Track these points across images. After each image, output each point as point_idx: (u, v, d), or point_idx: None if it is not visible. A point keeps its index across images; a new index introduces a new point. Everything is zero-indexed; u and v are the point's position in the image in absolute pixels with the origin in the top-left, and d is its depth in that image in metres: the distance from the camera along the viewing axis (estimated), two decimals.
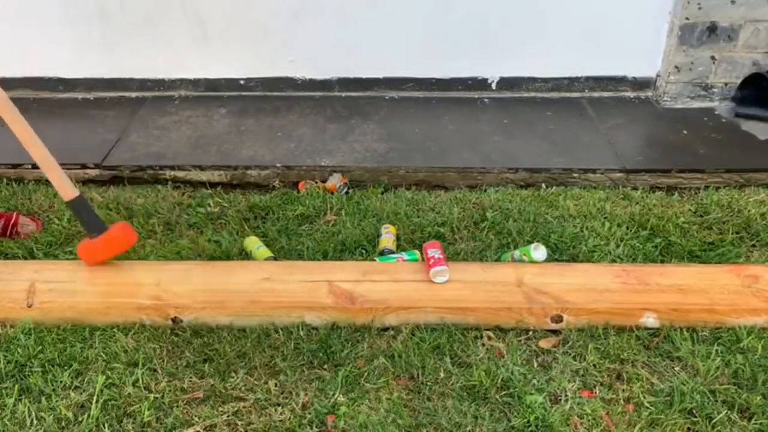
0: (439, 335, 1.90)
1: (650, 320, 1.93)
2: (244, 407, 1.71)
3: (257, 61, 3.30)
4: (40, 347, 1.86)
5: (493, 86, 3.33)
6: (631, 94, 3.32)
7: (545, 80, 3.31)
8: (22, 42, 3.23)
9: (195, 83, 3.35)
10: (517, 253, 2.20)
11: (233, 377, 1.79)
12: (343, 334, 1.92)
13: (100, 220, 2.09)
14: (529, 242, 2.28)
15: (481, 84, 3.33)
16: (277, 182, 2.74)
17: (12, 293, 1.98)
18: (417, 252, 2.21)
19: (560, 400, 1.73)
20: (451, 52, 3.25)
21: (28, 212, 2.51)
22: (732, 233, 2.38)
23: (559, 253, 2.27)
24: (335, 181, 2.66)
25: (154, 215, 2.50)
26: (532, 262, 2.14)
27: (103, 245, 2.05)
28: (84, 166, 2.76)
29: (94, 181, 2.76)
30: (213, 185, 2.74)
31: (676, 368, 1.82)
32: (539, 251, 2.14)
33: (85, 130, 3.06)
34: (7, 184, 2.69)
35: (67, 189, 2.04)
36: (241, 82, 3.35)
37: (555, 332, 1.94)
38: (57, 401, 1.72)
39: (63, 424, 1.66)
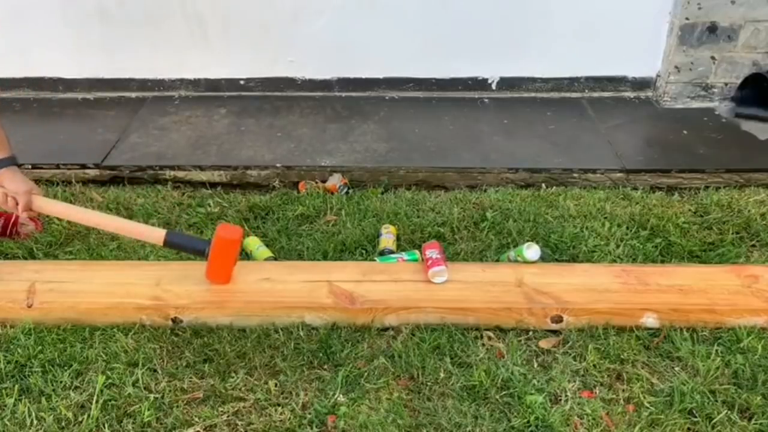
0: (439, 335, 1.90)
1: (650, 320, 1.93)
2: (244, 407, 1.71)
3: (257, 61, 3.30)
4: (40, 347, 1.86)
5: (493, 86, 3.33)
6: (631, 94, 3.32)
7: (545, 80, 3.31)
8: (22, 42, 3.24)
9: (195, 83, 3.35)
10: (512, 254, 2.19)
11: (233, 377, 1.78)
12: (343, 334, 1.92)
13: (199, 239, 2.09)
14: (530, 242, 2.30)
15: (481, 84, 3.33)
16: (277, 182, 2.74)
17: (12, 293, 1.98)
18: (417, 252, 2.21)
19: (560, 400, 1.73)
20: (451, 52, 3.25)
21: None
22: (732, 233, 2.38)
23: (559, 253, 2.27)
24: (335, 181, 2.66)
25: (154, 215, 2.50)
26: (526, 262, 2.13)
27: (219, 257, 1.97)
28: (84, 166, 2.76)
29: (94, 181, 2.76)
30: (213, 185, 2.74)
31: (676, 368, 1.82)
32: (532, 250, 2.13)
33: (85, 130, 3.06)
34: None
35: (155, 235, 1.99)
36: (241, 82, 3.35)
37: (555, 332, 1.94)
38: (57, 401, 1.71)
39: (63, 424, 1.66)
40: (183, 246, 2.04)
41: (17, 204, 1.93)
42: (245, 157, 2.81)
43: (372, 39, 3.21)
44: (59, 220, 2.45)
